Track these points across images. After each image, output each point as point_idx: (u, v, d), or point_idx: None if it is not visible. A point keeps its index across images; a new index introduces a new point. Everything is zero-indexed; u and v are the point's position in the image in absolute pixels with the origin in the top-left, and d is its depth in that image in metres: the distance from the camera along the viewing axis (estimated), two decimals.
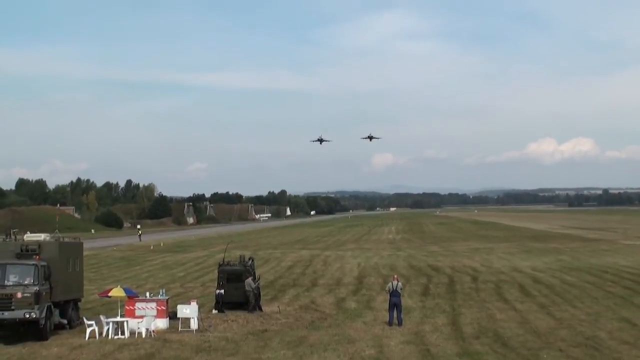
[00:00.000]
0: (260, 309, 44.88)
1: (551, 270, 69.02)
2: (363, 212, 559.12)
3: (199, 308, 40.15)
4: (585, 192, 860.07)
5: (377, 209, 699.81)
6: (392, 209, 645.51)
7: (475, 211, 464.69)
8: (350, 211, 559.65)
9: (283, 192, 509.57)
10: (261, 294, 47.13)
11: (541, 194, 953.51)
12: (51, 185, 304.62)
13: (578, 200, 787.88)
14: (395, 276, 43.33)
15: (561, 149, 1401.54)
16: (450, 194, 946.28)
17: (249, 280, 45.45)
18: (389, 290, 40.61)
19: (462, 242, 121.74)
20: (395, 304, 39.92)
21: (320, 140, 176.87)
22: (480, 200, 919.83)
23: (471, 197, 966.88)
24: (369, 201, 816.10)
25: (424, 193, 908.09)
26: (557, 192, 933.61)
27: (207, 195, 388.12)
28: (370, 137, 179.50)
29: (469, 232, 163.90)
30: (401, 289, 41.05)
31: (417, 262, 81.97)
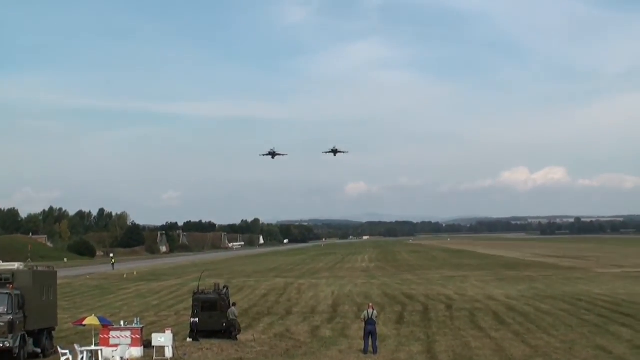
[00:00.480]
0: (236, 338, 44.77)
1: (525, 298, 69.23)
2: (336, 241, 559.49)
3: (174, 336, 40.00)
4: (558, 221, 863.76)
5: (351, 237, 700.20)
6: (365, 238, 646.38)
7: (449, 239, 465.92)
8: (324, 239, 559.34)
9: (256, 221, 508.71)
10: (237, 323, 47.03)
11: (514, 222, 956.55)
12: (23, 214, 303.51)
13: (550, 228, 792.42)
14: (371, 304, 43.36)
15: (534, 177, 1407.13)
16: (423, 222, 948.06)
17: (233, 309, 45.51)
18: (364, 319, 40.59)
19: (436, 270, 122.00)
20: (370, 332, 39.90)
21: (273, 154, 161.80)
22: (454, 228, 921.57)
23: (444, 225, 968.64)
24: (342, 229, 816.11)
25: (397, 221, 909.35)
26: (529, 221, 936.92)
27: (180, 223, 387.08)
28: (335, 151, 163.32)
29: (443, 260, 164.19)
30: (376, 317, 41.09)
31: (391, 290, 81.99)
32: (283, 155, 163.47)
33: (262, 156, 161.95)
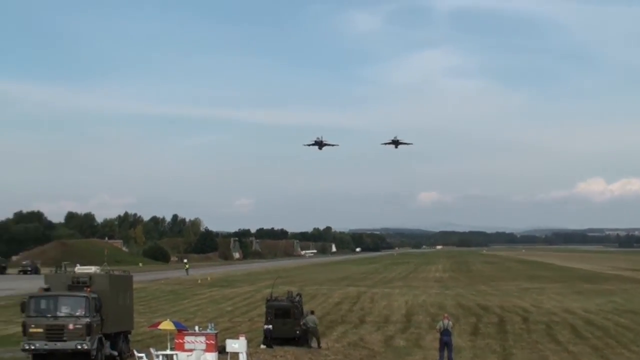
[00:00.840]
0: (309, 346, 44.72)
1: (604, 312, 67.99)
2: (409, 250, 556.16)
3: (248, 343, 40.06)
4: (637, 233, 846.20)
5: (423, 246, 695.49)
6: (439, 247, 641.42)
7: (523, 250, 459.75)
8: (396, 249, 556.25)
9: (328, 229, 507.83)
10: (317, 331, 46.92)
11: (590, 234, 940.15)
12: (100, 218, 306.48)
13: (628, 240, 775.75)
14: (446, 315, 42.99)
15: (610, 188, 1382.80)
16: (497, 233, 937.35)
17: (313, 317, 45.66)
18: (439, 329, 40.23)
19: (511, 281, 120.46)
20: (446, 343, 39.55)
21: (320, 144, 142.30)
22: (528, 239, 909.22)
23: (518, 236, 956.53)
24: (415, 239, 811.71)
25: (470, 231, 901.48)
26: (606, 232, 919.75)
27: (253, 230, 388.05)
28: (396, 142, 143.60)
29: (518, 271, 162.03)
30: (452, 327, 40.69)
31: (465, 301, 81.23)
32: (333, 145, 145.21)
33: (307, 146, 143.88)
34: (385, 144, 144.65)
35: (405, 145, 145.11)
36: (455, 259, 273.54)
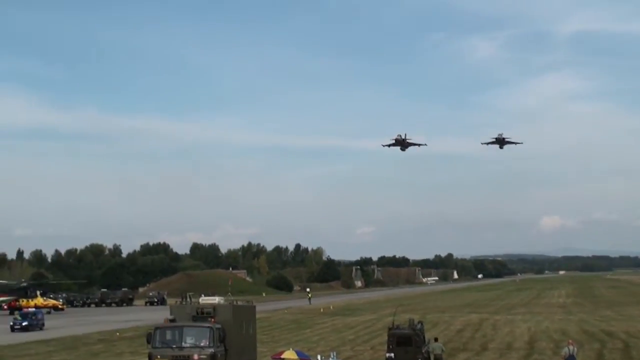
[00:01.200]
0: None
1: None
2: (532, 276, 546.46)
3: None
4: None
5: (546, 272, 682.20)
6: (561, 272, 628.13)
7: None
8: (518, 275, 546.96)
9: (449, 256, 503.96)
10: (442, 358, 46.56)
11: None
12: (224, 249, 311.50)
13: None
14: (571, 341, 42.19)
15: None
16: (621, 257, 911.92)
17: (439, 344, 45.71)
18: (565, 356, 39.43)
19: (637, 306, 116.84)
20: None
21: (402, 144, 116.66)
22: None
23: None
24: (537, 264, 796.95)
25: (593, 256, 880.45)
26: None
27: (375, 258, 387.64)
28: (501, 141, 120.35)
29: None
30: (576, 353, 39.84)
31: (589, 326, 79.22)
32: (419, 145, 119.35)
33: (387, 147, 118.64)
34: (488, 143, 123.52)
35: (513, 144, 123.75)
36: (578, 284, 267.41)
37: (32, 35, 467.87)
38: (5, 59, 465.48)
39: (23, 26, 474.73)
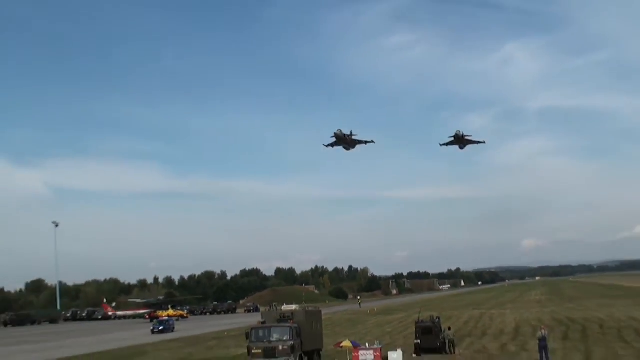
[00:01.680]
0: (453, 352, 44.22)
1: None
2: (516, 281, 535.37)
3: (403, 353, 39.73)
4: None
5: (526, 278, 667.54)
6: (537, 278, 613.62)
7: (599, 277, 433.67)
8: (507, 281, 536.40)
9: (458, 269, 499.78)
10: (454, 341, 46.02)
11: None
12: (298, 271, 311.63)
13: None
14: (543, 326, 41.54)
15: None
16: (580, 265, 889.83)
17: (451, 332, 45.35)
18: (539, 337, 38.87)
19: (591, 299, 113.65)
20: (544, 347, 38.20)
21: (461, 140, 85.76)
22: (603, 269, 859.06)
23: (596, 267, 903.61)
24: (520, 273, 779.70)
25: (559, 265, 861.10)
26: None
27: (405, 273, 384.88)
28: (460, 139, 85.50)
29: (595, 292, 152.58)
30: (547, 335, 39.33)
31: (558, 315, 77.75)
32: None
33: (445, 145, 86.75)
34: (447, 144, 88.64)
35: (475, 144, 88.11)
36: (549, 286, 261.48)
37: (160, 126, 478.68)
38: (147, 144, 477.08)
39: (153, 120, 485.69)
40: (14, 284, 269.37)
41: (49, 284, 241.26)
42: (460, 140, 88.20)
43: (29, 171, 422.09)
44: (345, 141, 78.17)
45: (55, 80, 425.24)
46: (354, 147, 76.84)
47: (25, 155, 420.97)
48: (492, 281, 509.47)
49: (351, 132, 75.64)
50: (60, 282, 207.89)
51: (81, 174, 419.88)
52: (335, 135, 74.23)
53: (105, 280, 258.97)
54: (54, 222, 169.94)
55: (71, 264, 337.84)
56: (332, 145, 76.92)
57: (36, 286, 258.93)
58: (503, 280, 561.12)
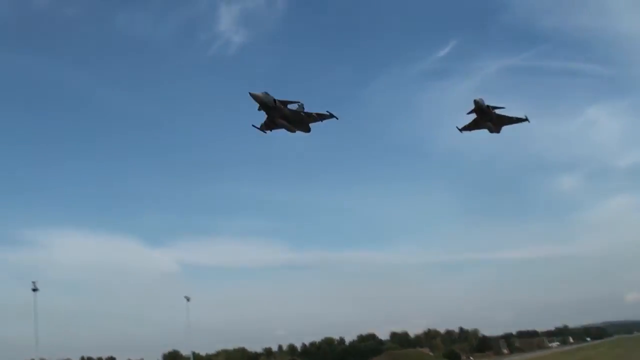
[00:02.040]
0: None
1: None
2: (625, 335, 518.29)
3: None
4: None
5: (634, 332, 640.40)
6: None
7: None
8: (614, 336, 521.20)
9: (565, 326, 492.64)
10: None
11: None
12: (411, 334, 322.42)
13: None
14: None
15: None
16: None
17: None
18: None
19: None
20: None
21: (482, 110, 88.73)
22: None
23: None
24: (626, 327, 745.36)
25: None
26: None
27: (514, 332, 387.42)
28: (484, 111, 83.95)
29: None
30: None
31: None
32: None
33: (257, 128, 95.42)
34: (468, 126, 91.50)
35: (515, 122, 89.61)
36: None
37: (277, 207, 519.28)
38: (270, 224, 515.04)
39: (272, 202, 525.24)
40: (151, 354, 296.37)
41: (184, 354, 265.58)
42: (484, 114, 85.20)
43: (162, 251, 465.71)
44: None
45: (180, 172, 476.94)
46: None
47: (160, 236, 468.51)
48: (600, 336, 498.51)
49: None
50: (193, 353, 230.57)
51: (207, 251, 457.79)
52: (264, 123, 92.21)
53: (234, 349, 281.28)
54: (185, 297, 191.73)
55: (202, 334, 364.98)
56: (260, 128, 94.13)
57: (172, 357, 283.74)
58: (610, 335, 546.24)
